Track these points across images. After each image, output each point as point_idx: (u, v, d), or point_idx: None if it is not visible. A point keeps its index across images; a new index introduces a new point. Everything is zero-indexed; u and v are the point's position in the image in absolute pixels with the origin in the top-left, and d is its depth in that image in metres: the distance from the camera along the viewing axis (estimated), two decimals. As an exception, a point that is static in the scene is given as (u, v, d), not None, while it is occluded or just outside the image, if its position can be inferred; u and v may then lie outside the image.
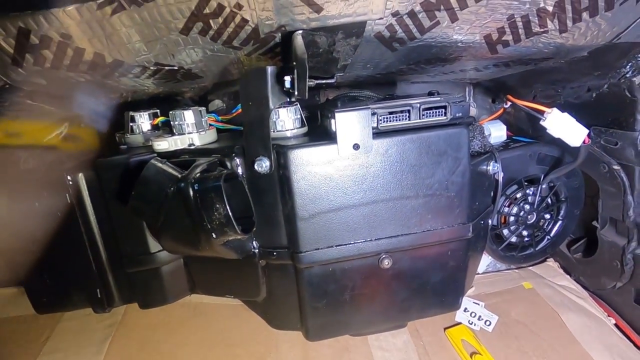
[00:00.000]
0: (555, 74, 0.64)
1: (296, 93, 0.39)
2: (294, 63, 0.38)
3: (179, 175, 0.41)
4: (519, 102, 0.51)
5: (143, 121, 0.53)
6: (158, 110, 0.56)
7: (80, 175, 0.48)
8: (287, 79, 0.40)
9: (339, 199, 0.46)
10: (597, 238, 0.73)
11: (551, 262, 0.91)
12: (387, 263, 0.49)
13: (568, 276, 0.87)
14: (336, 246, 0.47)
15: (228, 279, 0.52)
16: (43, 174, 0.50)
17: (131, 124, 0.54)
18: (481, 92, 0.83)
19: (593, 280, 0.79)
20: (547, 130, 0.50)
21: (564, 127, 0.49)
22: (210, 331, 0.64)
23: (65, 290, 0.52)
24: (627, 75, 0.55)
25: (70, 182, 0.48)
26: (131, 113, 0.53)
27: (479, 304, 0.79)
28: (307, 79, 0.38)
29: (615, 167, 0.63)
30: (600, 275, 0.76)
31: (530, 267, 0.92)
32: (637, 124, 0.58)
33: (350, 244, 0.48)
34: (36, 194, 0.50)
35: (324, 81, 0.50)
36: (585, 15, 0.45)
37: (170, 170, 0.42)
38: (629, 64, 0.55)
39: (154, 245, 0.51)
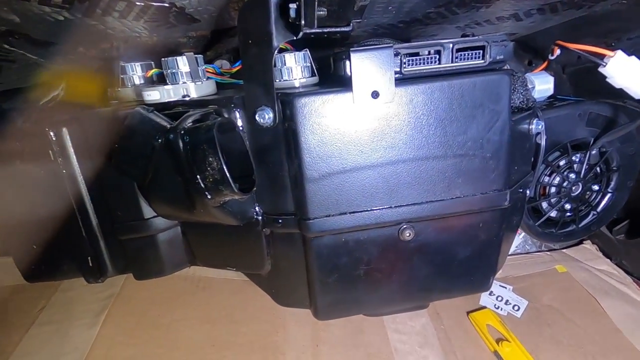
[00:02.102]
0: (611, 21, 0.55)
1: (303, 23, 0.32)
2: (300, -17, 0.31)
3: (168, 126, 0.36)
4: (574, 46, 0.42)
5: (135, 73, 0.48)
6: (152, 62, 0.50)
7: (64, 130, 0.43)
8: (293, 6, 0.33)
9: (354, 157, 0.39)
10: (647, 216, 0.65)
11: (588, 245, 0.83)
12: (408, 234, 0.43)
13: (608, 260, 0.79)
14: (350, 213, 0.41)
15: (229, 250, 0.47)
16: (25, 131, 0.45)
17: (122, 76, 0.48)
18: (515, 52, 0.73)
19: (638, 264, 0.71)
20: (608, 79, 0.42)
21: (629, 74, 0.40)
22: (214, 307, 0.60)
23: (54, 259, 0.48)
24: None
25: (54, 138, 0.43)
26: (122, 63, 0.48)
27: (506, 288, 0.72)
28: (317, 4, 0.31)
29: (679, 132, 0.54)
30: (648, 258, 0.68)
31: (564, 250, 0.84)
32: None
33: (367, 210, 0.41)
34: (18, 153, 0.45)
35: (338, 29, 0.43)
36: None
37: (158, 119, 0.36)
38: None
39: (148, 210, 0.46)
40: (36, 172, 0.45)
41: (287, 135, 0.39)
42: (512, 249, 0.82)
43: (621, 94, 0.45)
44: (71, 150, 0.44)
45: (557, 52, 0.47)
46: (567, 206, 0.56)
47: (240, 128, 0.40)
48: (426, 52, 0.38)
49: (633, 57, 0.41)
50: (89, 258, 0.48)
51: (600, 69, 0.42)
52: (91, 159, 0.45)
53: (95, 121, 0.43)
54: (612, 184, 0.57)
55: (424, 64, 0.39)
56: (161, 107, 0.42)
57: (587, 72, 0.60)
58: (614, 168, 0.56)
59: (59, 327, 0.54)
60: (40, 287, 0.58)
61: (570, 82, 0.70)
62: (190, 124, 0.36)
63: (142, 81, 0.49)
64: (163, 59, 0.44)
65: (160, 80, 0.49)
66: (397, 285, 0.46)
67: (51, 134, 0.43)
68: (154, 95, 0.42)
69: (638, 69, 0.40)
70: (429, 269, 0.46)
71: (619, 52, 0.41)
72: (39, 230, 0.47)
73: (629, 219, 0.71)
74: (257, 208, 0.43)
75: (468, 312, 0.67)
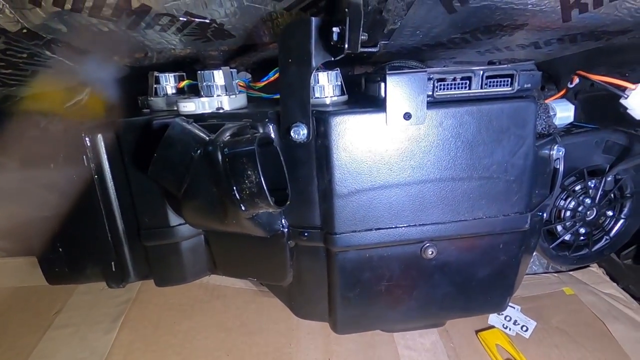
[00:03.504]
0: (626, 53, 0.57)
1: (346, 46, 0.33)
2: (346, 9, 0.33)
3: (207, 138, 0.37)
4: (595, 77, 0.44)
5: (168, 83, 0.49)
6: (184, 74, 0.51)
7: (99, 136, 0.44)
8: (335, 30, 0.34)
9: (383, 175, 0.40)
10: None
11: (595, 268, 0.84)
12: (430, 252, 0.44)
13: (615, 284, 0.80)
14: (375, 229, 0.42)
15: (252, 260, 0.48)
16: (60, 135, 0.46)
17: (155, 85, 0.49)
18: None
19: (646, 289, 0.72)
20: (629, 110, 0.43)
21: (650, 107, 0.42)
22: (229, 316, 0.60)
23: (79, 262, 0.49)
24: None
25: (89, 144, 0.44)
26: (156, 74, 0.49)
27: (514, 308, 0.73)
28: (362, 29, 0.33)
29: (691, 162, 0.56)
30: (656, 284, 0.68)
31: (571, 272, 0.85)
32: None
33: (392, 228, 0.42)
34: (52, 156, 0.46)
35: (366, 49, 0.44)
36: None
37: (197, 131, 0.37)
38: None
39: (174, 218, 0.46)
40: (68, 176, 0.46)
41: (319, 152, 0.40)
42: (519, 269, 0.83)
43: (633, 122, 0.47)
44: (104, 157, 0.45)
45: (577, 81, 0.49)
46: (582, 230, 0.57)
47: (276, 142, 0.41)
48: (458, 78, 0.40)
49: (654, 90, 0.43)
50: (113, 263, 0.48)
51: (622, 101, 0.44)
52: (122, 166, 0.46)
53: (130, 128, 0.44)
54: (626, 210, 0.58)
55: (454, 88, 0.40)
56: (195, 119, 0.43)
57: (599, 100, 0.61)
58: (628, 195, 0.57)
59: (77, 330, 0.54)
60: (57, 289, 0.58)
61: (582, 108, 0.72)
62: (228, 137, 0.37)
63: (175, 92, 0.50)
64: (199, 71, 0.45)
65: (192, 91, 0.50)
66: (416, 302, 0.47)
67: (87, 139, 0.44)
68: (189, 106, 0.43)
69: (659, 102, 0.42)
70: (448, 288, 0.46)
71: (640, 86, 0.43)
72: (66, 233, 0.47)
73: (636, 244, 0.72)
74: (283, 221, 0.44)
75: (477, 331, 0.68)
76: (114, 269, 0.48)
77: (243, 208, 0.36)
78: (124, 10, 0.38)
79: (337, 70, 0.45)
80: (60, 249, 0.48)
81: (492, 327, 0.69)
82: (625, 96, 0.43)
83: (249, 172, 0.34)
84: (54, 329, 0.54)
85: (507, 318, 0.70)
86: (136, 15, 0.39)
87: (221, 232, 0.45)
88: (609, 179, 0.53)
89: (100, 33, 0.42)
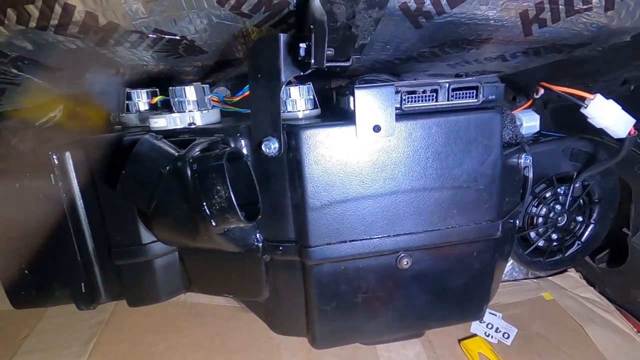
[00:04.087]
0: (588, 65, 0.59)
1: (313, 62, 0.34)
2: (311, 26, 0.33)
3: (176, 154, 0.37)
4: (557, 88, 0.46)
5: (140, 99, 0.49)
6: (157, 89, 0.51)
7: (68, 154, 0.44)
8: (302, 45, 0.35)
9: (355, 187, 0.41)
10: (627, 246, 0.68)
11: (572, 273, 0.86)
12: (405, 263, 0.44)
13: (592, 287, 0.81)
14: (350, 241, 0.42)
15: (227, 276, 0.47)
16: (28, 154, 0.45)
17: (127, 101, 0.49)
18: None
19: (620, 292, 0.73)
20: (589, 119, 0.45)
21: (608, 115, 0.44)
22: (207, 334, 0.58)
23: (47, 284, 0.47)
24: (673, 65, 0.50)
25: (56, 162, 0.44)
26: (128, 90, 0.49)
27: (496, 315, 0.73)
28: (327, 45, 0.33)
29: (653, 167, 0.58)
30: (630, 286, 0.70)
31: (550, 278, 0.86)
32: (680, 120, 0.53)
33: (366, 239, 0.42)
34: (19, 175, 0.45)
35: (338, 64, 0.45)
36: (636, -12, 0.40)
37: (166, 147, 0.37)
38: (676, 52, 0.50)
39: (147, 235, 0.46)
40: (34, 194, 0.45)
41: (291, 165, 0.40)
42: (500, 276, 0.84)
43: (596, 130, 0.49)
44: (73, 175, 0.44)
45: (541, 92, 0.50)
46: (554, 236, 0.58)
47: (247, 157, 0.41)
48: (424, 90, 0.41)
49: (611, 101, 0.45)
50: (83, 284, 0.47)
51: (582, 110, 0.45)
52: (92, 184, 0.45)
53: (99, 146, 0.44)
54: (595, 215, 0.60)
55: (422, 101, 0.41)
56: (167, 135, 0.42)
57: (566, 109, 0.64)
58: (596, 200, 0.59)
59: (45, 356, 0.51)
60: (25, 313, 0.56)
61: (552, 117, 0.74)
62: (198, 152, 0.37)
63: (147, 107, 0.50)
64: (170, 87, 0.45)
65: (165, 107, 0.50)
66: (394, 313, 0.47)
67: (54, 157, 0.43)
68: (160, 122, 0.43)
69: (615, 111, 0.44)
70: (425, 297, 0.47)
71: (598, 96, 0.45)
72: (32, 254, 0.46)
73: (609, 248, 0.74)
74: (257, 235, 0.44)
75: (460, 340, 0.68)
76: (83, 290, 0.46)
77: (214, 223, 0.36)
78: (91, 28, 0.38)
79: (309, 84, 0.46)
80: (27, 271, 0.46)
81: (474, 335, 0.69)
82: (585, 106, 0.45)
83: (218, 187, 0.34)
84: (21, 355, 0.52)
85: (489, 326, 0.71)
86: (104, 32, 0.39)
87: (195, 248, 0.45)
88: (577, 185, 0.55)
89: (68, 50, 0.41)
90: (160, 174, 0.36)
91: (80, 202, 0.45)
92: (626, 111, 0.46)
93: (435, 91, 0.41)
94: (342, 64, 0.45)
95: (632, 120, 0.45)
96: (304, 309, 0.46)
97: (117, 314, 0.59)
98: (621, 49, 0.52)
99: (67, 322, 0.57)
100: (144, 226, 0.45)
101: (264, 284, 0.46)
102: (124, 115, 0.49)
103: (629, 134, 0.45)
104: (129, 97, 0.49)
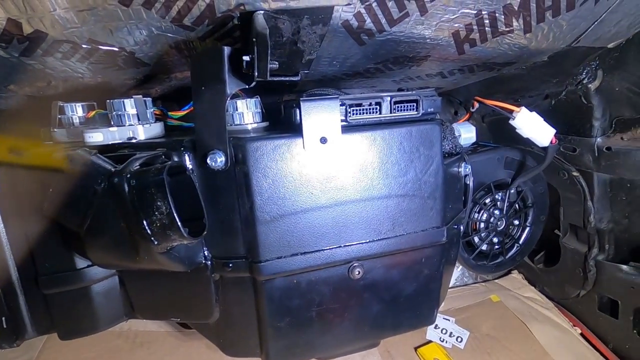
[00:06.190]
0: (516, 82, 0.66)
1: (256, 74, 0.34)
2: (254, 39, 0.33)
3: (112, 169, 0.34)
4: (489, 102, 0.50)
5: (75, 113, 0.45)
6: (95, 103, 0.48)
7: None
8: (245, 58, 0.35)
9: (304, 199, 0.41)
10: (559, 247, 0.74)
11: (515, 274, 0.92)
12: (358, 272, 0.44)
13: (533, 287, 0.87)
14: (301, 254, 0.42)
15: (174, 298, 0.44)
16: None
17: (60, 116, 0.45)
18: (444, 103, 0.84)
19: (557, 289, 0.79)
20: (517, 130, 0.50)
21: (532, 126, 0.48)
22: (153, 365, 0.54)
23: (-41, 321, 0.41)
24: (584, 82, 0.57)
25: (-27, 182, 0.39)
26: (60, 103, 0.45)
27: (449, 320, 0.76)
28: (269, 57, 0.34)
29: (575, 173, 0.64)
30: (564, 284, 0.76)
31: (496, 280, 0.91)
32: (594, 130, 0.60)
33: (317, 251, 0.42)
34: None
35: (287, 78, 0.46)
36: (548, 15, 0.45)
37: (101, 162, 0.35)
38: (585, 70, 0.56)
39: (80, 260, 0.42)
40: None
41: (238, 178, 0.40)
42: (452, 282, 0.88)
43: (525, 140, 0.54)
44: (-7, 196, 0.40)
45: (476, 105, 0.55)
46: (495, 240, 0.62)
47: (190, 171, 0.39)
48: (368, 104, 0.42)
49: (534, 113, 0.49)
50: (3, 319, 0.42)
51: (511, 122, 0.50)
52: (16, 206, 0.41)
53: (24, 165, 0.40)
54: (529, 218, 0.65)
55: (366, 113, 0.42)
56: (104, 150, 0.40)
57: (501, 122, 0.70)
58: (529, 205, 0.64)
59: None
60: None
61: (489, 129, 0.80)
62: (137, 167, 0.35)
63: (83, 122, 0.46)
64: (108, 100, 0.43)
65: (104, 121, 0.47)
66: (349, 324, 0.47)
67: (-31, 177, 0.39)
68: (96, 137, 0.40)
69: (538, 123, 0.49)
70: (378, 306, 0.47)
71: (523, 108, 0.49)
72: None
73: (545, 249, 0.81)
74: (205, 252, 0.42)
75: (416, 348, 0.69)
76: (4, 326, 0.41)
77: (155, 242, 0.34)
78: (14, 36, 0.35)
79: (257, 97, 0.46)
80: None
81: (429, 342, 0.71)
82: (513, 117, 0.49)
83: (158, 203, 0.32)
84: None
85: (443, 331, 0.73)
86: (30, 41, 0.36)
87: (137, 270, 0.42)
88: (512, 191, 0.60)
89: (-11, 60, 0.38)
90: (94, 191, 0.34)
91: (0, 227, 0.40)
92: (547, 122, 0.51)
93: (379, 104, 0.42)
94: (291, 78, 0.46)
95: (553, 131, 0.50)
96: (256, 328, 0.44)
97: (48, 351, 0.53)
98: (541, 67, 0.58)
99: (-15, 364, 0.50)
100: (77, 250, 0.41)
101: (214, 304, 0.43)
102: (55, 130, 0.45)
103: (551, 142, 0.50)
104: (61, 111, 0.46)
